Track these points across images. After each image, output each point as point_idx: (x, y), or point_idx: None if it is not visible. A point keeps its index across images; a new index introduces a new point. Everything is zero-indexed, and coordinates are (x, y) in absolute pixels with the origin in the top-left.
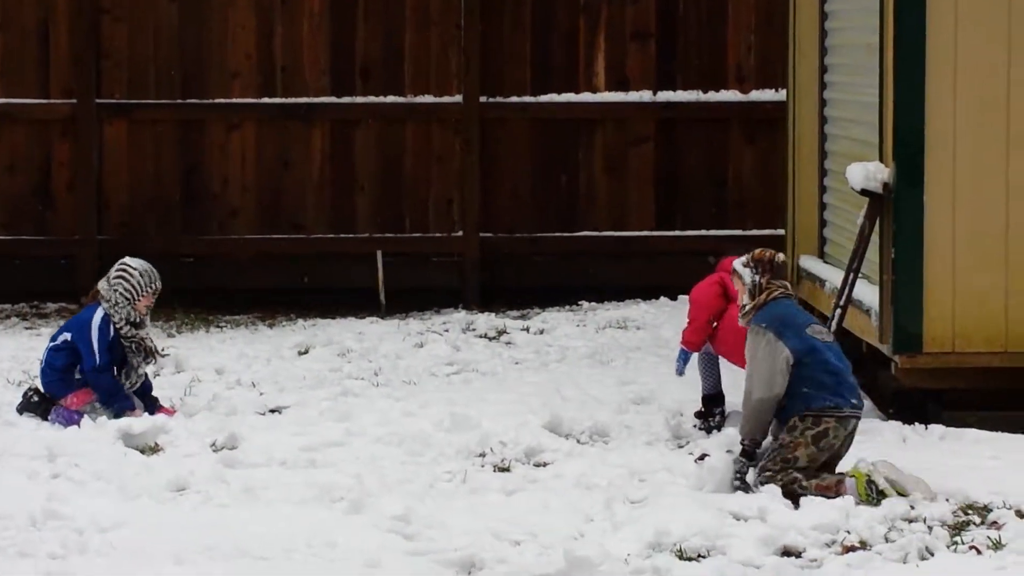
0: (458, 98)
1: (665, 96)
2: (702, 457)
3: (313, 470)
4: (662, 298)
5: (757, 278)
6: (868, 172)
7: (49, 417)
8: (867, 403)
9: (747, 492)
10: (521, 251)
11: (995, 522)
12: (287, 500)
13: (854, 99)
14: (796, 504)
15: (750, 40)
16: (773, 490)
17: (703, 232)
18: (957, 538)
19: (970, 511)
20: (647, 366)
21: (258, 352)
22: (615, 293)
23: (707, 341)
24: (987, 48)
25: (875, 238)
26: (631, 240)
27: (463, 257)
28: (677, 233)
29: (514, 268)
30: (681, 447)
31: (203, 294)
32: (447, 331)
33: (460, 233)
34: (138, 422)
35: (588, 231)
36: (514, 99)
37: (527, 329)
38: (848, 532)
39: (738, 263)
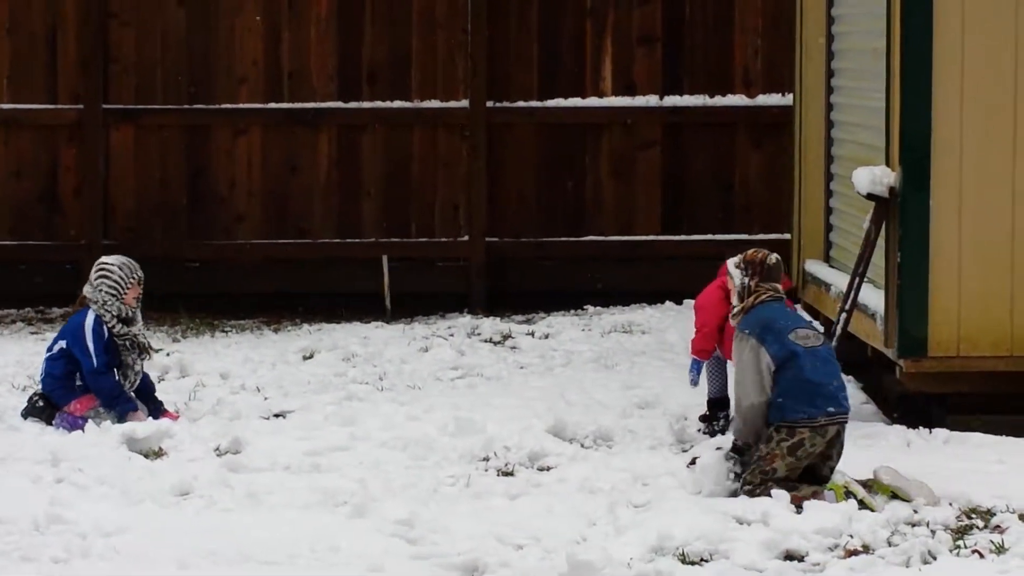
0: (465, 103)
1: (672, 101)
2: (693, 461)
3: (317, 475)
4: (668, 302)
5: (747, 280)
6: (874, 176)
7: (53, 422)
8: (871, 407)
9: (741, 455)
10: (527, 256)
11: (998, 526)
12: (291, 505)
13: (860, 103)
14: (799, 508)
15: (756, 44)
16: (780, 493)
17: (709, 236)
18: (960, 542)
19: (973, 515)
20: (652, 370)
21: (263, 357)
22: (621, 297)
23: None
24: (994, 52)
25: (881, 242)
26: (637, 244)
27: (469, 262)
28: (683, 237)
29: (520, 273)
30: (685, 451)
31: (208, 299)
32: (452, 336)
33: (466, 238)
34: (142, 427)
35: (594, 235)
36: (521, 104)
37: (532, 334)
38: (851, 536)
39: (731, 263)
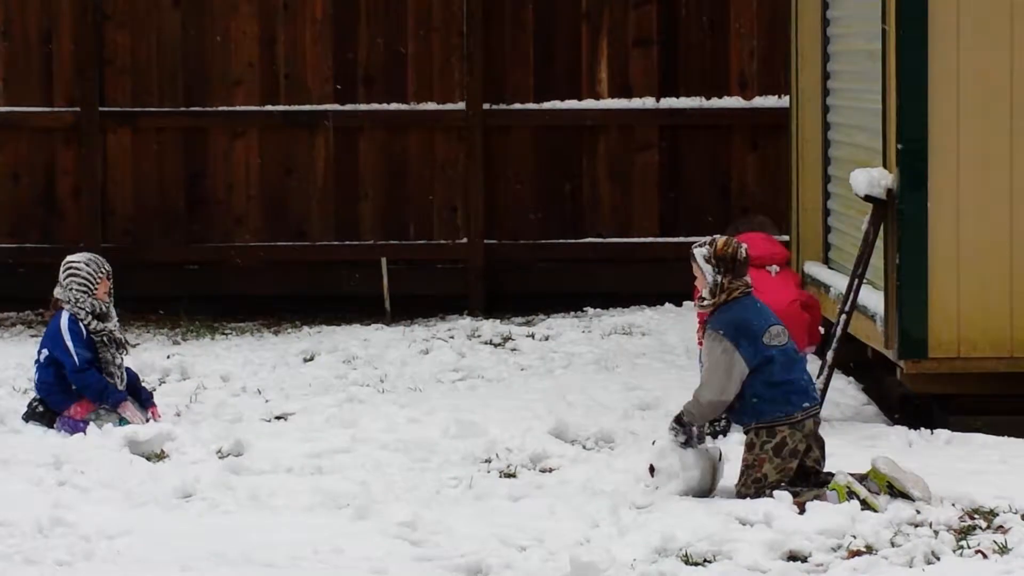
0: (461, 105)
1: (668, 103)
2: (652, 469)
3: (319, 477)
4: (667, 304)
5: (719, 278)
6: (872, 178)
7: (55, 426)
8: (872, 408)
9: (693, 445)
10: (525, 258)
11: (1001, 526)
12: (293, 507)
13: (857, 105)
14: (802, 509)
15: (753, 46)
16: (782, 495)
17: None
18: (963, 542)
19: (976, 515)
20: (652, 372)
21: (264, 359)
22: (620, 299)
23: None
24: (990, 53)
25: (879, 244)
26: (635, 247)
27: (468, 264)
28: (681, 239)
29: (519, 275)
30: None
31: (208, 302)
32: (452, 338)
33: (465, 240)
34: (144, 430)
35: (592, 238)
36: (517, 106)
37: (532, 335)
38: (854, 537)
39: (700, 256)
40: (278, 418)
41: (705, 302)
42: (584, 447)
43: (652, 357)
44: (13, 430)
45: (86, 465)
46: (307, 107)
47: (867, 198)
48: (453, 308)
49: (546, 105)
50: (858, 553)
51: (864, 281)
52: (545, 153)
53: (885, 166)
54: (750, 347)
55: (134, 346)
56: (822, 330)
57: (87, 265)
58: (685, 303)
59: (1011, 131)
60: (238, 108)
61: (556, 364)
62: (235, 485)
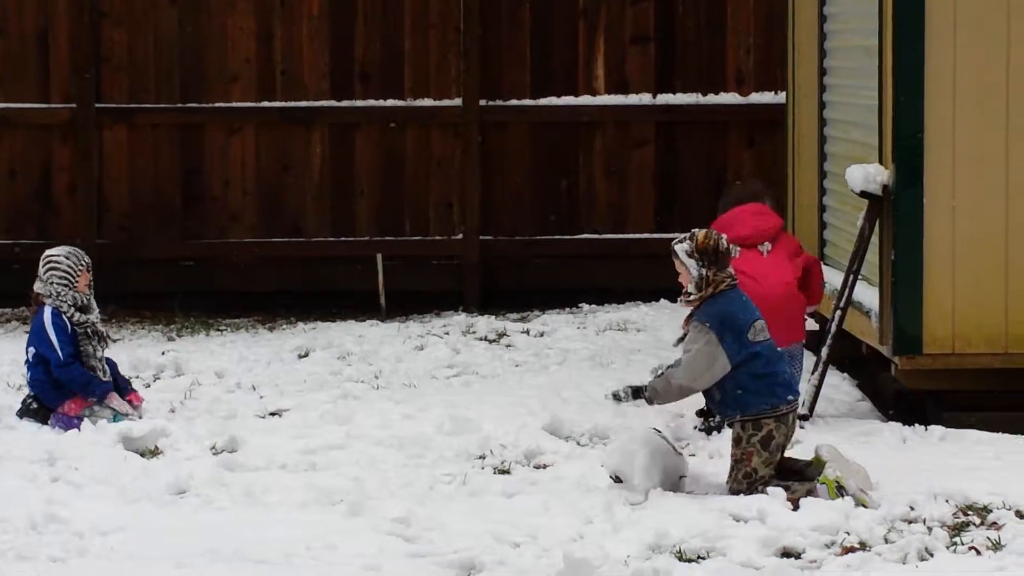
0: (458, 101)
1: (665, 99)
2: (617, 479)
3: (313, 473)
4: (662, 300)
5: (704, 271)
6: (868, 174)
7: (49, 422)
8: (867, 404)
9: (619, 402)
10: (521, 254)
11: (995, 523)
12: (287, 503)
13: (853, 101)
14: (795, 506)
15: (749, 43)
16: (776, 491)
17: None
18: (957, 539)
19: (970, 512)
20: (647, 368)
21: (258, 355)
22: (615, 295)
23: None
24: (986, 50)
25: (875, 240)
26: (631, 242)
27: (463, 260)
28: (677, 235)
29: (514, 271)
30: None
31: (203, 297)
32: (447, 334)
33: (460, 236)
34: (138, 426)
35: (588, 234)
36: (514, 102)
37: (527, 332)
38: (847, 533)
39: (680, 250)
40: (272, 414)
41: (692, 296)
42: (578, 443)
43: (647, 353)
44: (7, 426)
45: (80, 461)
46: (303, 103)
47: (863, 194)
48: (448, 304)
49: (543, 101)
50: (852, 549)
51: (859, 277)
52: (542, 149)
53: (881, 162)
54: (734, 343)
55: (114, 341)
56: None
57: (67, 258)
58: (680, 299)
59: (1007, 128)
60: (234, 104)
61: (551, 360)
62: (229, 481)
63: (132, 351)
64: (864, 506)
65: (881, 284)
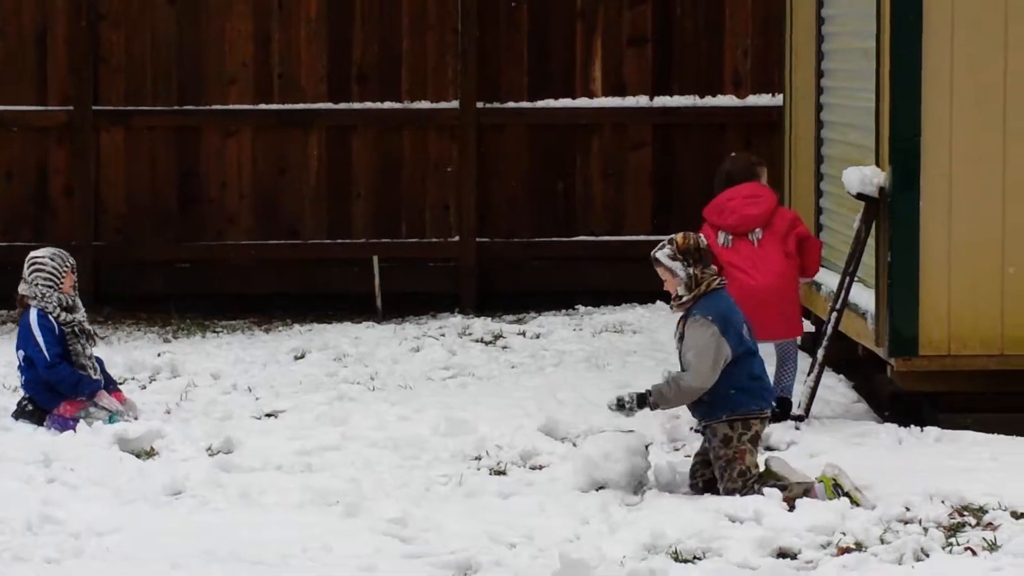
0: (455, 103)
1: (662, 101)
2: (600, 489)
3: (309, 474)
4: (659, 302)
5: (691, 270)
6: (864, 176)
7: (45, 424)
8: (863, 406)
9: (626, 415)
10: (517, 256)
11: (991, 523)
12: (283, 504)
13: (850, 104)
14: (791, 505)
15: (747, 45)
16: (772, 492)
17: None
18: (952, 539)
19: (965, 512)
20: (643, 370)
21: (254, 357)
22: (612, 297)
23: None
24: (983, 52)
25: (871, 242)
26: (628, 245)
27: (460, 262)
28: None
29: (511, 273)
30: (677, 450)
31: (199, 299)
32: (443, 335)
33: (457, 238)
34: (133, 427)
35: (585, 236)
36: (511, 104)
37: (523, 333)
38: (843, 534)
39: (663, 256)
40: (268, 416)
41: (684, 299)
42: (574, 445)
43: (643, 355)
44: (3, 428)
45: (76, 463)
46: (301, 106)
47: (859, 196)
48: (444, 306)
49: (540, 104)
50: (847, 550)
51: (856, 279)
52: (538, 151)
53: (878, 164)
54: (733, 336)
55: (101, 338)
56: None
57: (52, 260)
58: (672, 305)
59: (1004, 130)
60: (231, 107)
61: (547, 362)
62: (225, 483)
63: (128, 353)
64: (858, 504)
65: (877, 286)
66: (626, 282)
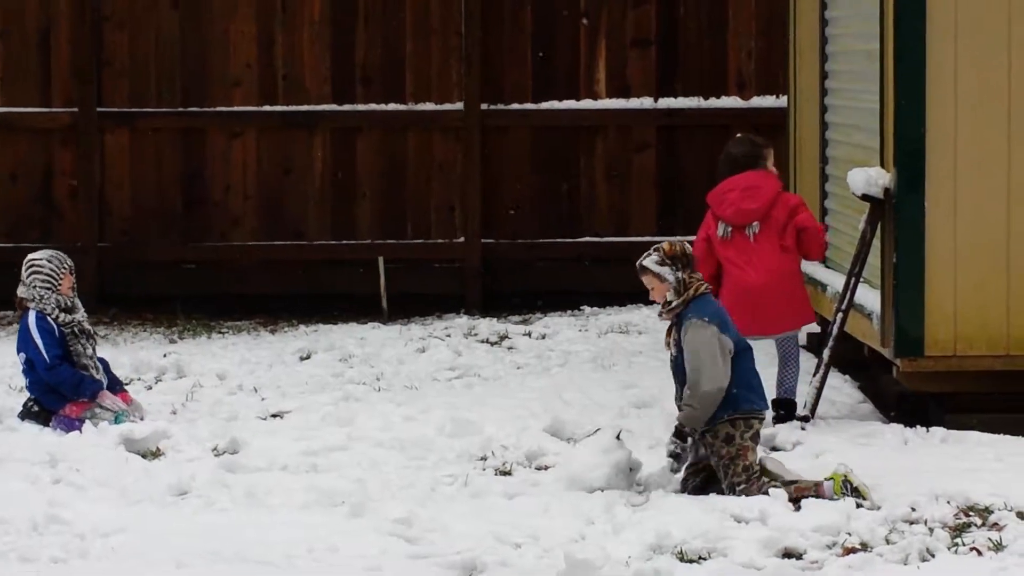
0: (459, 105)
1: (666, 103)
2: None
3: (315, 475)
4: None
5: (679, 274)
6: (869, 177)
7: (51, 424)
8: (868, 406)
9: (676, 470)
10: (523, 257)
11: (996, 524)
12: (289, 505)
13: (855, 105)
14: (797, 506)
15: (750, 46)
16: (778, 492)
17: None
18: (958, 540)
19: (971, 513)
20: (649, 370)
21: (260, 357)
22: (617, 298)
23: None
24: (987, 53)
25: (876, 243)
26: (633, 246)
27: (465, 263)
28: (679, 238)
29: (516, 274)
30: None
31: (205, 300)
32: (449, 336)
33: (462, 239)
34: (139, 427)
35: (590, 237)
36: (515, 106)
37: (529, 334)
38: (849, 534)
39: (650, 263)
40: (274, 416)
41: (673, 304)
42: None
43: (648, 355)
44: (9, 428)
45: (82, 463)
46: (305, 108)
47: (864, 197)
48: (450, 307)
49: (544, 105)
50: (853, 550)
51: (861, 280)
52: (543, 153)
53: (883, 165)
54: (733, 332)
55: (102, 337)
56: (818, 328)
57: (49, 262)
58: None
59: (1008, 131)
60: (236, 109)
61: (552, 363)
62: (231, 483)
63: (134, 353)
64: (864, 498)
65: (883, 287)
66: (631, 283)
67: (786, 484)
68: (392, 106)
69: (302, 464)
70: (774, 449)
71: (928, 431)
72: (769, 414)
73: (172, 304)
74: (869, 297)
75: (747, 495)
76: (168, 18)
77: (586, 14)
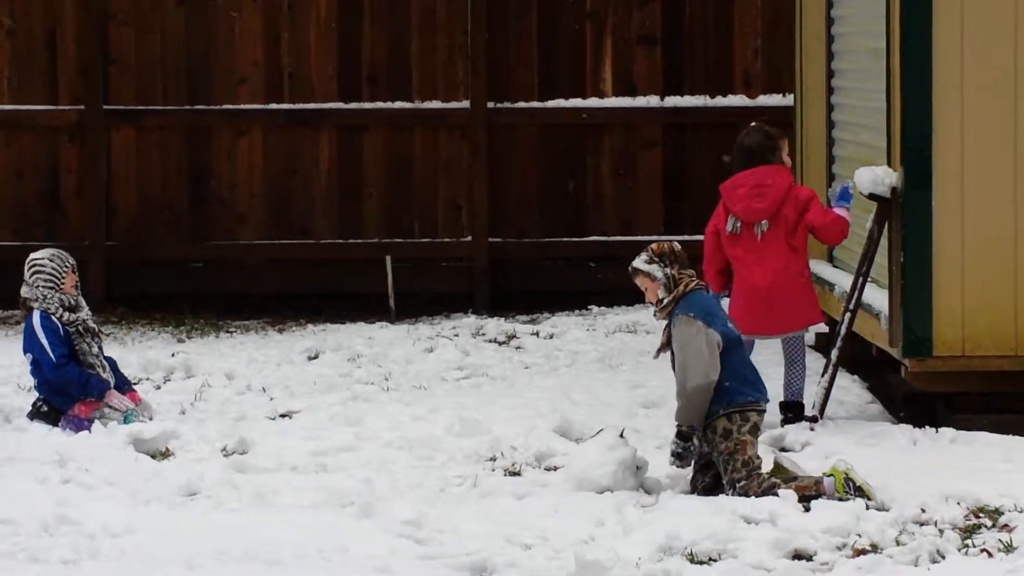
0: (465, 103)
1: (673, 101)
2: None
3: (324, 475)
4: None
5: (668, 271)
6: (876, 176)
7: (60, 424)
8: (877, 406)
9: (682, 468)
10: (530, 256)
11: (1006, 525)
12: (298, 505)
13: (862, 104)
14: (807, 507)
15: (757, 45)
16: (787, 493)
17: None
18: (968, 541)
19: (981, 514)
20: (656, 370)
21: (268, 357)
22: (624, 297)
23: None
24: (994, 51)
25: (884, 242)
26: (640, 244)
27: (472, 262)
28: (686, 237)
29: (523, 273)
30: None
31: (212, 300)
32: (457, 336)
33: (469, 238)
34: (148, 427)
35: (597, 236)
36: (522, 104)
37: (537, 334)
38: (859, 535)
39: (639, 263)
40: (283, 416)
41: (665, 301)
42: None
43: None
44: (18, 428)
45: (91, 463)
46: (311, 105)
47: (871, 196)
48: (458, 306)
49: (550, 103)
50: (863, 552)
51: (869, 280)
52: (549, 151)
53: (890, 164)
54: (722, 325)
55: (106, 335)
56: (826, 328)
57: (51, 261)
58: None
59: (1015, 129)
60: (242, 106)
61: (560, 362)
62: (240, 483)
63: (142, 353)
64: (870, 498)
65: (891, 286)
66: None
67: (787, 483)
68: (398, 104)
69: (311, 464)
70: (783, 450)
71: (937, 431)
72: (778, 417)
73: (179, 303)
74: (877, 297)
75: (748, 491)
76: (174, 16)
77: (592, 13)
